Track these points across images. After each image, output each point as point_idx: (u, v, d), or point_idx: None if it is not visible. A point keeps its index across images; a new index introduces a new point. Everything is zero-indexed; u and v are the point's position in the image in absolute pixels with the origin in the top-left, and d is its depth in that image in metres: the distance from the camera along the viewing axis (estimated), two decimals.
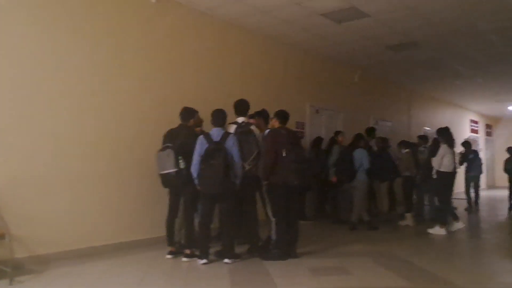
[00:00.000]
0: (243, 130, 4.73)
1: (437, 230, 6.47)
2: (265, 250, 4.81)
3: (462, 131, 15.60)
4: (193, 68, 6.11)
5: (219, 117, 4.66)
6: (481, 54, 8.52)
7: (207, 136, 4.55)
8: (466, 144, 10.13)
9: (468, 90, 12.44)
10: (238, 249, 4.92)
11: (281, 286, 3.83)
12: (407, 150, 7.93)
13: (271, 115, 5.07)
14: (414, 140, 9.11)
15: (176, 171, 4.57)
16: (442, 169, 6.55)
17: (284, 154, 4.57)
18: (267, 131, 4.92)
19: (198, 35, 6.23)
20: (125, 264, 4.54)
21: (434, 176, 6.69)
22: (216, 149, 4.40)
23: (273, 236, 4.81)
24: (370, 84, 10.38)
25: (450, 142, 6.73)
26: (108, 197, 5.07)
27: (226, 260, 4.52)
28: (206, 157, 4.39)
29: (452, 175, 6.65)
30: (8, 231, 4.01)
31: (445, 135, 6.79)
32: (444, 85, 11.82)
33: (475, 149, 11.33)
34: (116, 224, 5.14)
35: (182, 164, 4.61)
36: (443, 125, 7.29)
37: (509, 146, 10.31)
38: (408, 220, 7.29)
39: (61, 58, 4.72)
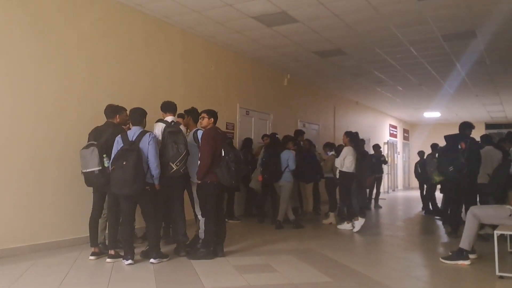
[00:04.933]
0: (172, 130, 4.68)
1: (346, 226, 7.04)
2: (193, 249, 4.82)
3: (382, 135, 16.69)
4: (120, 64, 5.93)
5: (136, 115, 4.57)
6: (401, 63, 9.19)
7: (124, 135, 4.46)
8: (376, 147, 10.89)
9: (388, 96, 13.34)
10: (165, 249, 4.89)
11: (208, 284, 3.86)
12: (332, 152, 8.33)
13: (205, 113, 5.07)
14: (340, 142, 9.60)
15: (99, 170, 4.43)
16: (344, 169, 7.02)
17: (222, 154, 4.61)
18: (200, 130, 4.92)
19: (126, 30, 6.06)
20: (45, 265, 4.32)
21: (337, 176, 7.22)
22: (129, 149, 4.29)
23: (201, 235, 4.83)
24: (299, 87, 10.75)
25: (356, 145, 7.23)
26: (26, 196, 4.78)
27: (151, 260, 4.46)
28: (117, 158, 4.29)
29: (352, 175, 7.11)
30: None
31: (353, 138, 7.26)
32: (367, 91, 12.57)
33: (382, 152, 12.08)
34: (35, 225, 4.86)
35: (106, 163, 4.47)
36: (366, 129, 7.81)
37: (420, 150, 11.19)
38: (331, 218, 7.66)
39: None
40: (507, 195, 5.93)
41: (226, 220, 5.77)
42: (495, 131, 17.98)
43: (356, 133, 7.47)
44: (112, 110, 4.81)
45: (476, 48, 7.92)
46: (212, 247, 4.80)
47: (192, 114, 5.13)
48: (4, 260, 4.39)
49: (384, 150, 15.14)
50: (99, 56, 5.63)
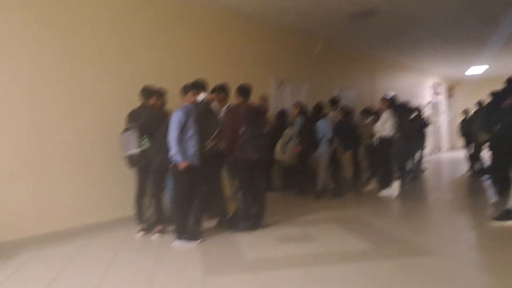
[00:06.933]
0: (203, 108, 4.74)
1: (386, 192, 6.97)
2: (234, 223, 4.95)
3: (425, 95, 16.07)
4: (150, 47, 6.00)
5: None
6: (440, 20, 8.69)
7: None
8: (417, 109, 10.46)
9: (429, 55, 12.73)
10: (208, 223, 5.06)
11: (250, 256, 3.98)
12: (371, 117, 8.14)
13: (234, 89, 5.09)
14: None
15: (139, 151, 4.59)
16: (384, 134, 6.92)
17: (242, 131, 4.66)
18: (225, 107, 4.98)
19: (153, 13, 6.07)
20: (95, 244, 4.59)
21: (377, 142, 7.15)
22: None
23: (241, 209, 4.94)
24: (334, 53, 10.47)
25: (395, 109, 7.06)
26: (73, 180, 5.04)
27: (173, 243, 4.47)
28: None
29: (391, 140, 6.99)
30: None
31: (392, 102, 7.12)
32: (406, 51, 12.05)
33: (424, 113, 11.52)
34: (83, 206, 5.14)
35: (146, 144, 4.62)
36: (407, 90, 7.61)
37: (465, 108, 10.73)
38: (372, 185, 7.57)
39: (12, 44, 4.56)
40: None
41: (267, 193, 5.82)
42: None
43: (395, 96, 7.29)
44: (146, 92, 4.92)
45: None
46: (253, 220, 4.91)
47: (223, 90, 5.16)
48: (59, 240, 4.70)
49: (427, 111, 14.61)
50: (130, 40, 5.72)
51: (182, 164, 4.34)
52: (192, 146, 4.44)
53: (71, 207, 5.01)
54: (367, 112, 8.39)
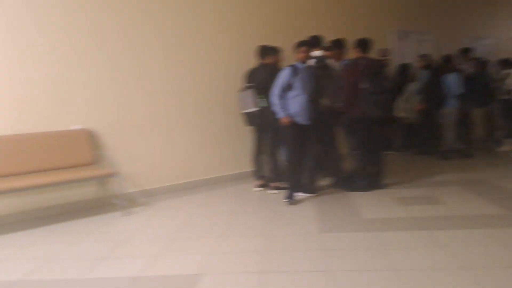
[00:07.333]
0: (320, 65, 4.64)
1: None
2: (350, 182, 4.89)
3: None
4: (261, 4, 6.00)
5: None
6: None
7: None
8: None
9: None
10: (323, 182, 5.09)
11: (367, 215, 3.92)
12: (509, 69, 7.16)
13: (351, 44, 4.89)
14: None
15: (258, 110, 4.74)
16: None
17: (362, 86, 4.46)
18: (343, 62, 4.80)
19: None
20: (218, 195, 4.97)
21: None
22: None
23: (357, 168, 4.84)
24: None
25: None
26: (195, 138, 5.46)
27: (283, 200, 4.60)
28: None
29: None
30: (119, 170, 4.61)
31: None
32: None
33: None
34: (205, 162, 5.56)
35: (263, 103, 4.74)
36: None
37: None
38: (508, 146, 6.76)
39: (141, 12, 4.96)
40: None
41: (386, 152, 5.60)
42: None
43: None
44: (262, 51, 4.98)
45: None
46: (370, 179, 4.79)
47: (340, 45, 4.97)
48: (185, 191, 5.24)
49: None
50: (244, 1, 5.80)
51: (284, 119, 4.34)
52: (297, 105, 4.35)
53: (197, 162, 5.47)
54: (505, 63, 7.39)
